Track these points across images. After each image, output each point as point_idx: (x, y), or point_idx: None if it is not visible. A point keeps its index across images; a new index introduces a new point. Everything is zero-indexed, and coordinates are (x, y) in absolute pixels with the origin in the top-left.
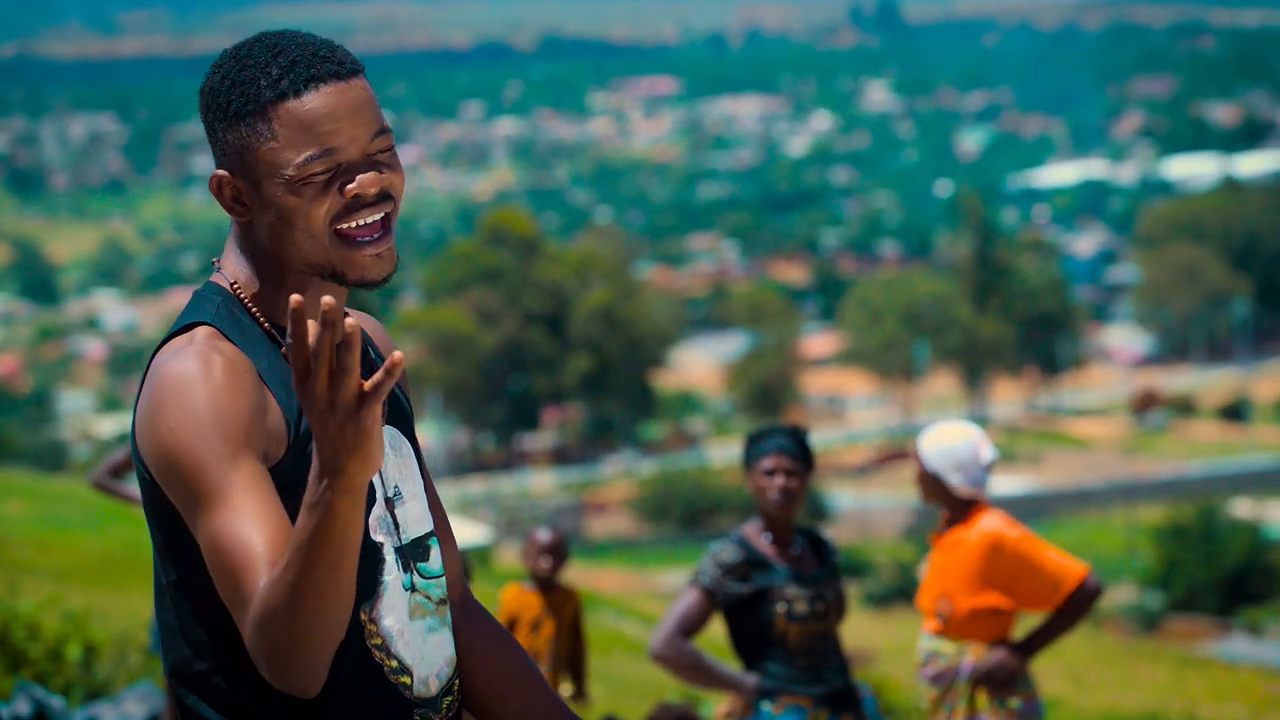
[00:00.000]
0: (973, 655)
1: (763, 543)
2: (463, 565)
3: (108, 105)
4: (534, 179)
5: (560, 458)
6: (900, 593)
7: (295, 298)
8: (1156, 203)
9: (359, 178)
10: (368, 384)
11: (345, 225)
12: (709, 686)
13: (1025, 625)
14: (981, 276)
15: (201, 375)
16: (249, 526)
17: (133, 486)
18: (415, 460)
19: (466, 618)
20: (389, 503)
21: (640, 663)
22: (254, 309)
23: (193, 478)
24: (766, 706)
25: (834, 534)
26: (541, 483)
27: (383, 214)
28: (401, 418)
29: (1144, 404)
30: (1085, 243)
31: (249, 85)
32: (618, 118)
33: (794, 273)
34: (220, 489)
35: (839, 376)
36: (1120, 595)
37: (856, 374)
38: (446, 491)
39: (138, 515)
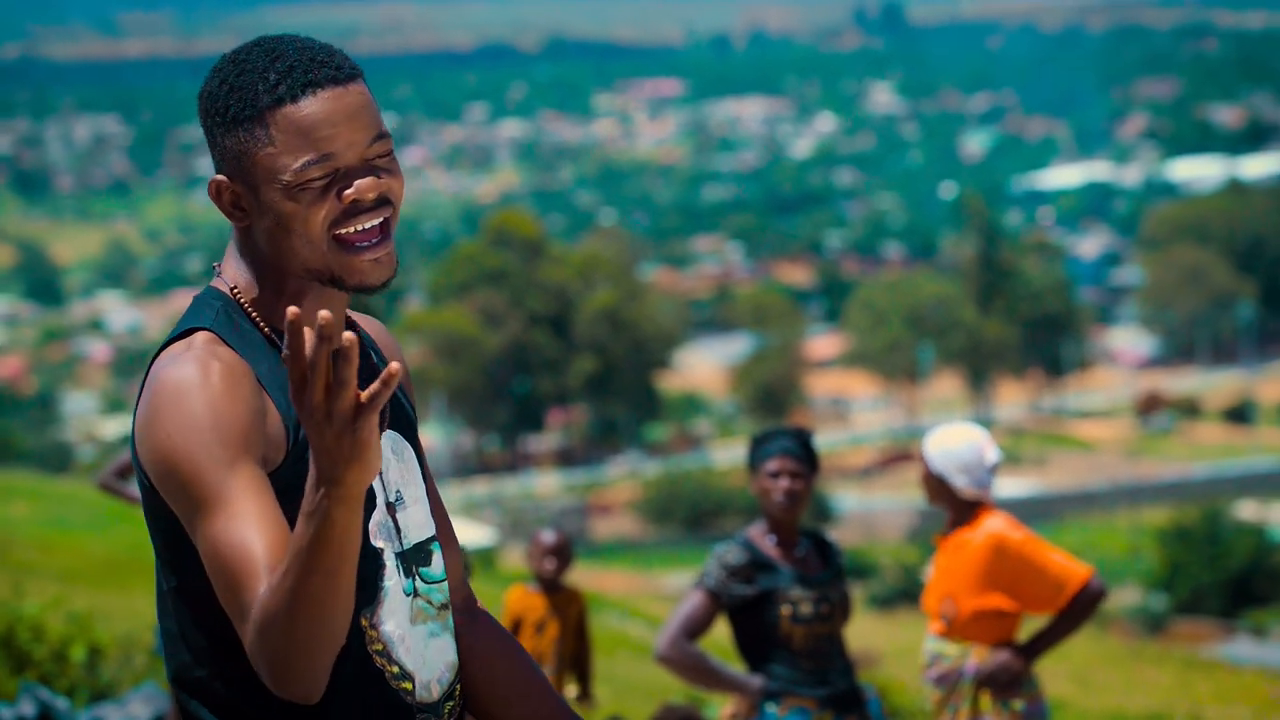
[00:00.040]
0: (976, 657)
1: (767, 545)
2: (463, 563)
3: (112, 107)
4: (538, 181)
5: (565, 459)
6: (905, 595)
7: (292, 310)
8: (1161, 205)
9: (357, 183)
10: (364, 395)
11: (343, 230)
12: (714, 688)
13: (1030, 627)
14: (986, 278)
15: (200, 381)
16: (248, 533)
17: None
18: (418, 465)
19: (470, 621)
20: (390, 508)
21: (645, 664)
22: (254, 314)
23: (191, 484)
24: (771, 708)
25: (838, 536)
26: (546, 484)
27: (381, 219)
28: (404, 422)
29: (1148, 406)
30: (1090, 244)
31: (246, 90)
32: (622, 119)
33: (798, 274)
34: (219, 495)
35: (843, 378)
36: (1125, 597)
37: (861, 376)
38: (451, 493)
39: (142, 517)
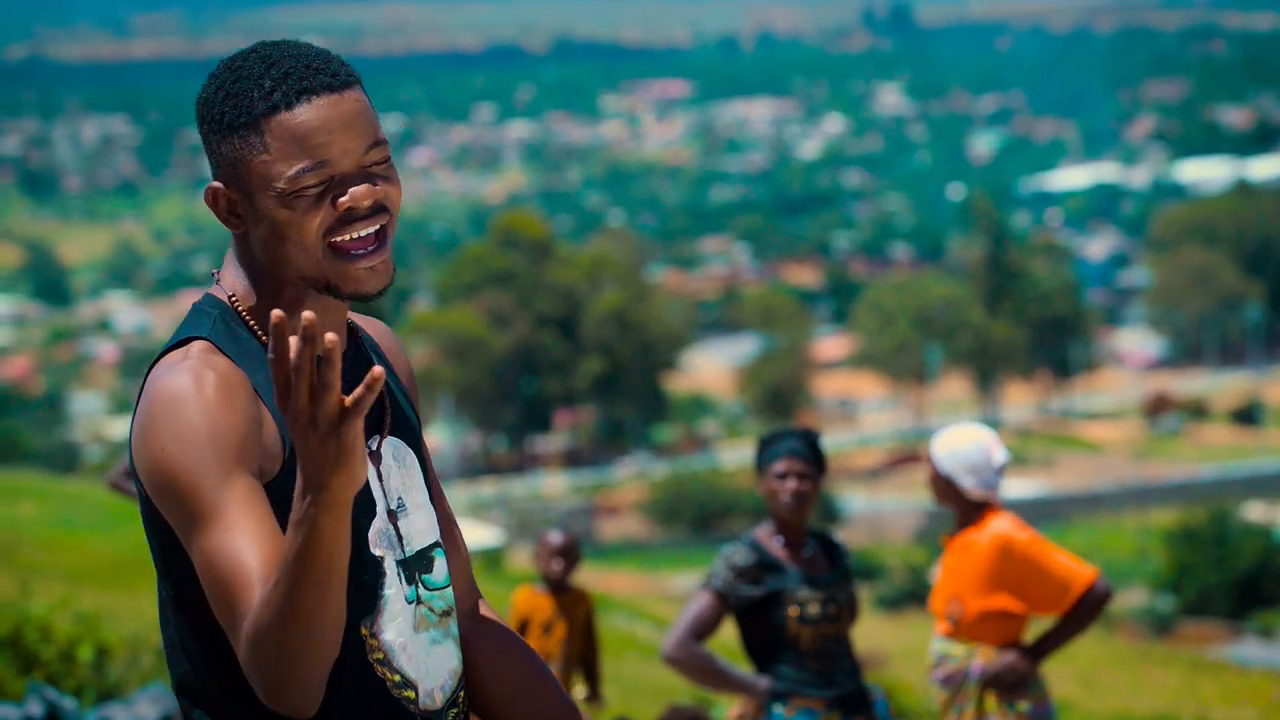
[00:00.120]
0: (982, 657)
1: (775, 545)
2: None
3: (120, 107)
4: (546, 181)
5: (572, 460)
6: (912, 595)
7: (275, 312)
8: (1169, 206)
9: (351, 190)
10: (349, 399)
11: (338, 238)
12: (721, 689)
13: (1037, 629)
14: (993, 280)
15: (194, 392)
16: (243, 545)
17: None
18: (420, 471)
19: (478, 626)
20: (392, 515)
21: (652, 665)
22: (251, 322)
23: (186, 496)
24: (778, 709)
25: (845, 537)
26: (553, 485)
27: (377, 226)
28: (405, 428)
29: (1156, 407)
30: (1097, 246)
31: (242, 97)
32: (630, 120)
33: (806, 275)
34: (214, 507)
35: (851, 379)
36: (1132, 599)
37: (868, 377)
38: (458, 494)
39: None
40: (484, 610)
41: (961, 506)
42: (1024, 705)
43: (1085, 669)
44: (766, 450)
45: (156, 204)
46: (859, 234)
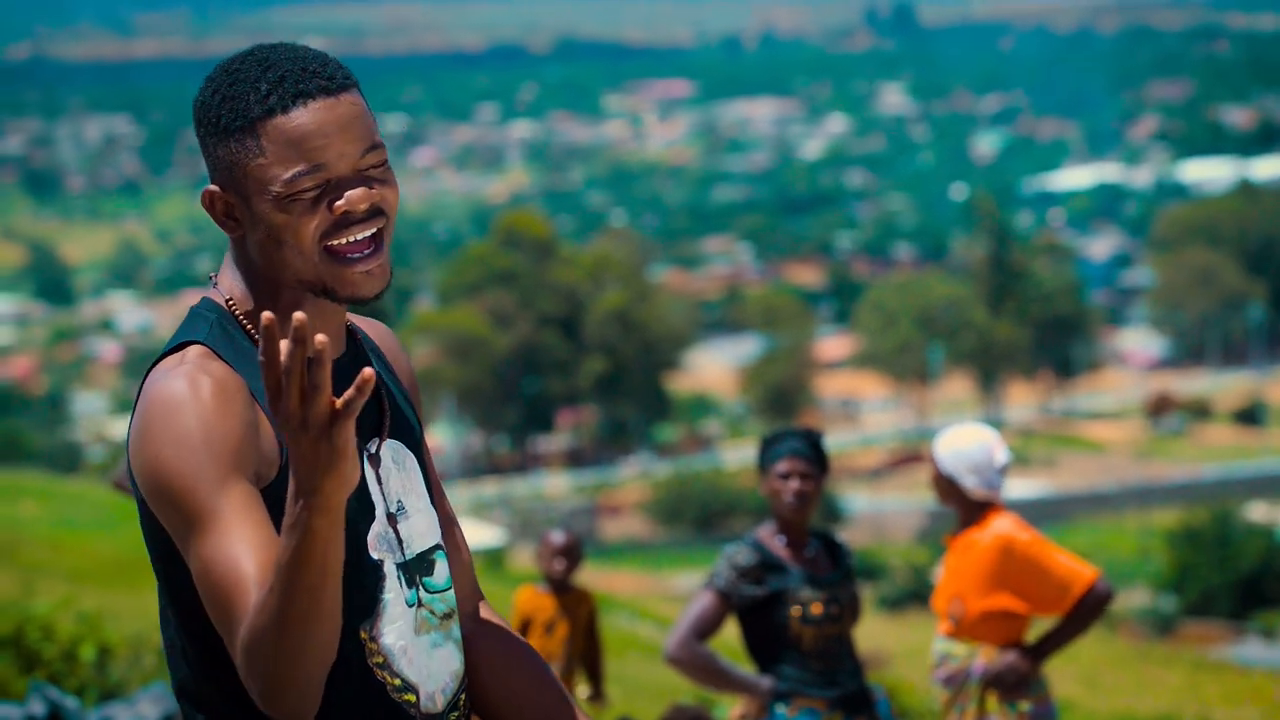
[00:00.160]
0: (984, 657)
1: (777, 545)
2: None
3: (123, 107)
4: (549, 181)
5: (574, 460)
6: (914, 595)
7: (266, 315)
8: (1172, 206)
9: (348, 194)
10: (339, 401)
11: (335, 242)
12: (723, 689)
13: (1039, 629)
14: (996, 280)
15: (190, 397)
16: (239, 551)
17: None
18: (420, 474)
19: (480, 628)
20: (391, 518)
21: (654, 665)
22: (248, 326)
23: (182, 501)
24: (780, 709)
25: (848, 537)
26: (555, 485)
27: (374, 230)
28: (405, 431)
29: (1159, 407)
30: (1100, 246)
31: (238, 101)
32: (632, 120)
33: (808, 275)
34: (210, 513)
35: (853, 379)
36: (1134, 599)
37: (871, 377)
38: (460, 494)
39: None
40: (485, 612)
41: (964, 506)
42: (1025, 705)
43: (1087, 669)
44: (769, 450)
45: (159, 203)
46: (861, 234)
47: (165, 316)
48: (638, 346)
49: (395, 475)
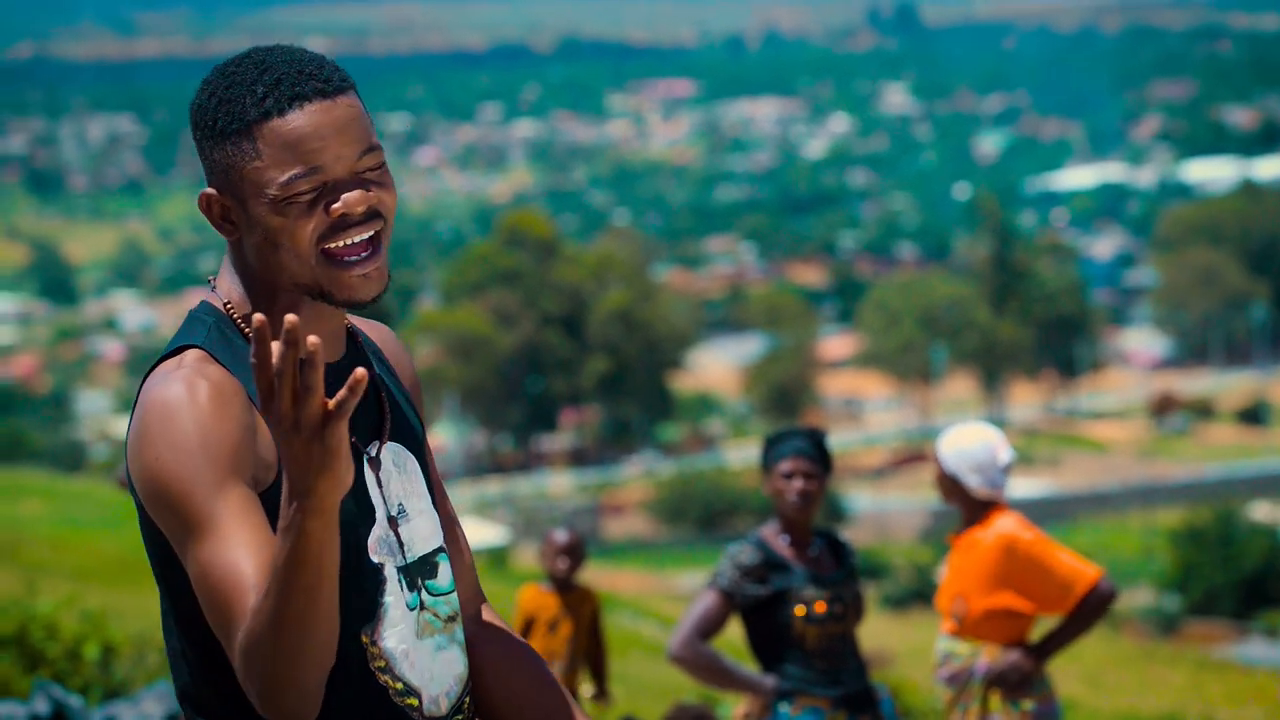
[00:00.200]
0: (987, 656)
1: (781, 544)
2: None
3: (126, 106)
4: (552, 181)
5: (578, 459)
6: (918, 595)
7: (258, 316)
8: (1175, 206)
9: (344, 196)
10: (332, 402)
11: (332, 245)
12: (727, 688)
13: (1043, 628)
14: (999, 279)
15: (187, 401)
16: (237, 555)
17: None
18: (422, 476)
19: (482, 631)
20: (392, 521)
21: (658, 664)
22: (246, 329)
23: (180, 506)
24: (784, 708)
25: (851, 536)
26: (559, 484)
27: (371, 233)
28: (406, 433)
29: (1162, 407)
30: (1103, 246)
31: (234, 103)
32: (635, 120)
33: (812, 275)
34: (207, 518)
35: (857, 379)
36: (1138, 598)
37: (874, 376)
38: (463, 493)
39: None
40: (487, 615)
41: (967, 505)
42: (1029, 704)
43: (1091, 668)
44: (772, 449)
45: (162, 203)
46: (864, 233)
47: (168, 316)
48: (641, 346)
49: (396, 478)
